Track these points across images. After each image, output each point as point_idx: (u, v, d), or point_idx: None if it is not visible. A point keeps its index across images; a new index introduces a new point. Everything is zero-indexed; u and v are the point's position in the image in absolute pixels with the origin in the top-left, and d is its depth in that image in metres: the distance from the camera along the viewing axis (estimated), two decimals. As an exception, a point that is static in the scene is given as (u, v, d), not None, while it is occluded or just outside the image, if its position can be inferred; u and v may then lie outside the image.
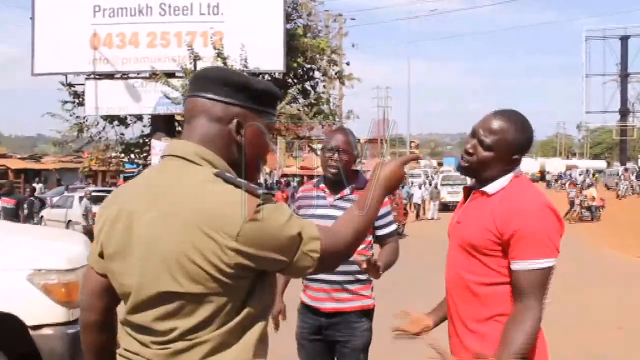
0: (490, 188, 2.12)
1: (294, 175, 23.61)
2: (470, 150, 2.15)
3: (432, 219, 24.46)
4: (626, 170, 33.06)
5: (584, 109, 59.15)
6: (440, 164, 74.18)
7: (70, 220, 16.39)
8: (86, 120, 20.33)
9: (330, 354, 3.15)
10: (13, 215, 13.91)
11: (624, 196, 34.95)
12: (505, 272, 2.04)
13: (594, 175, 45.89)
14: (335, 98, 24.10)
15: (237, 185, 1.43)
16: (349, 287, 3.05)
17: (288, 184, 20.86)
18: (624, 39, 55.09)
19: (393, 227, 3.19)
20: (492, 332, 2.04)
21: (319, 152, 3.38)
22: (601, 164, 59.64)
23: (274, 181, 23.35)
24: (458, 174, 35.28)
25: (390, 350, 3.22)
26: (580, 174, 39.45)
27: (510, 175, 2.12)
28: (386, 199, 3.24)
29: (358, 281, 3.07)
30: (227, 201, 1.41)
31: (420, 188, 26.09)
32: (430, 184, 28.40)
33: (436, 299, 2.47)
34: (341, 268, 2.99)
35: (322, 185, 3.18)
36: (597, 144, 74.75)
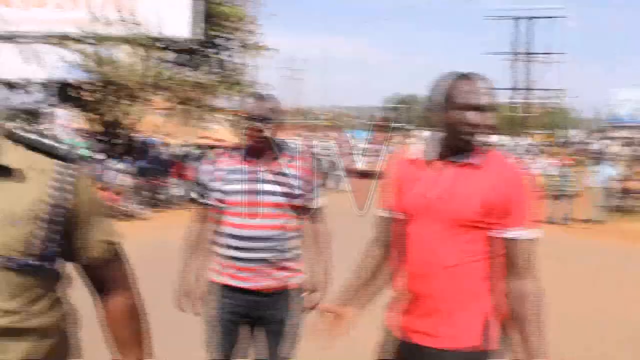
0: (476, 159, 2.04)
1: (196, 146, 22.53)
2: (481, 123, 2.02)
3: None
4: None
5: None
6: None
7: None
8: (-33, 84, 18.50)
9: (254, 334, 2.87)
10: None
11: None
12: (487, 246, 2.02)
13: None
14: (251, 69, 23.41)
15: None
16: (284, 263, 2.80)
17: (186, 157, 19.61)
18: (518, 20, 57.44)
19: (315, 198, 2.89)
20: (478, 310, 2.02)
21: (243, 123, 2.97)
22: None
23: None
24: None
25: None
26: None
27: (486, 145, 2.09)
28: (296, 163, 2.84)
29: (293, 255, 2.83)
30: None
31: None
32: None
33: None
34: (275, 244, 2.75)
35: (248, 159, 2.83)
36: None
